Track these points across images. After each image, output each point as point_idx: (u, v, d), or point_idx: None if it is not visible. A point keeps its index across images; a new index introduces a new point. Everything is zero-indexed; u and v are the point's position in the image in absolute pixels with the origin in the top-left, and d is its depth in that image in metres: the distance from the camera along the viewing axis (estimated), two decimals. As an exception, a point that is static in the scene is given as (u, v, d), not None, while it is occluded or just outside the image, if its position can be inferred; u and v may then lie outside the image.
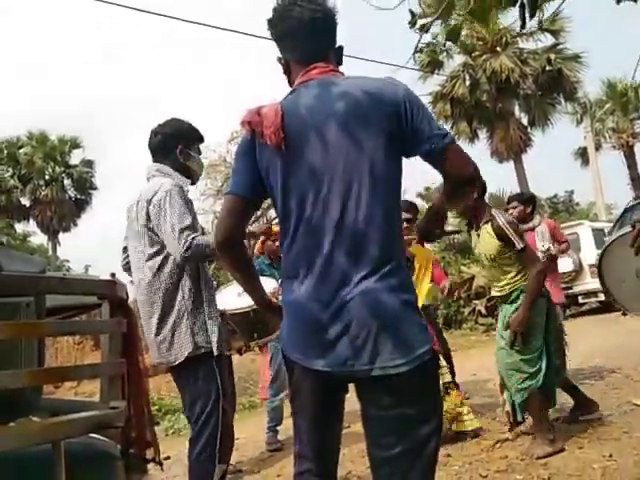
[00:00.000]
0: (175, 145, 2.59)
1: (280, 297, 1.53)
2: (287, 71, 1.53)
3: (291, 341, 1.41)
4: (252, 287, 1.63)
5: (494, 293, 3.44)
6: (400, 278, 1.35)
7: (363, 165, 1.34)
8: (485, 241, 3.19)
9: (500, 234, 3.07)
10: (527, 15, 2.19)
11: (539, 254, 4.45)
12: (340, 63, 1.54)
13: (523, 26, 2.76)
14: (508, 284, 3.21)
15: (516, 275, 3.17)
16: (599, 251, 2.35)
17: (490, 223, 3.12)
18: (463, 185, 1.46)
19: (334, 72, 1.47)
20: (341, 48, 1.54)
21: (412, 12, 2.81)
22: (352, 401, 1.47)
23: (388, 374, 1.28)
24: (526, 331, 3.06)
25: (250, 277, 1.62)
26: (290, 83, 1.52)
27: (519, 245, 3.04)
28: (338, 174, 1.34)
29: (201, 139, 2.74)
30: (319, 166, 1.35)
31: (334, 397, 1.46)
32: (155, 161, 2.61)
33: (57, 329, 1.38)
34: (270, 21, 1.50)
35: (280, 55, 1.53)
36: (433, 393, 1.39)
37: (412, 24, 2.93)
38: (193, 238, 2.31)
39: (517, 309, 3.11)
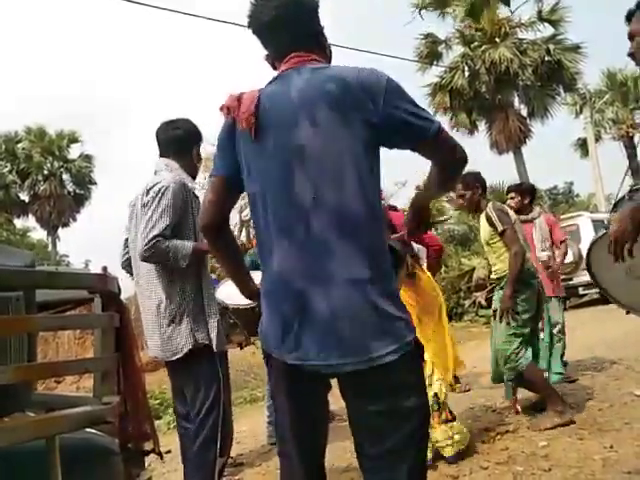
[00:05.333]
0: (193, 145, 2.63)
1: None
2: (274, 66, 1.52)
3: (267, 333, 1.37)
4: (236, 274, 1.63)
5: (492, 276, 3.83)
6: (378, 268, 1.31)
7: (339, 149, 1.32)
8: (482, 227, 3.70)
9: (488, 220, 3.55)
10: None
11: (538, 247, 4.51)
12: (324, 47, 1.51)
13: None
14: (500, 269, 3.60)
15: (506, 260, 3.52)
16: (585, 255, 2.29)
17: (485, 211, 3.62)
18: (454, 170, 1.48)
19: (315, 60, 1.45)
20: (322, 31, 1.51)
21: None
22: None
23: (366, 368, 1.25)
24: (513, 309, 3.38)
25: (234, 263, 1.61)
26: None
27: (499, 228, 3.48)
28: (312, 162, 1.32)
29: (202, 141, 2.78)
30: (294, 150, 1.33)
31: (313, 392, 1.41)
32: (165, 155, 2.60)
33: (47, 324, 1.36)
34: (248, 18, 1.50)
35: (266, 53, 1.53)
36: (417, 385, 1.35)
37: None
38: (158, 241, 2.29)
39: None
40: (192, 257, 2.34)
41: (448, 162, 1.43)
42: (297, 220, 1.32)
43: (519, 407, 3.69)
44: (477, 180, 3.68)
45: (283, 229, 1.33)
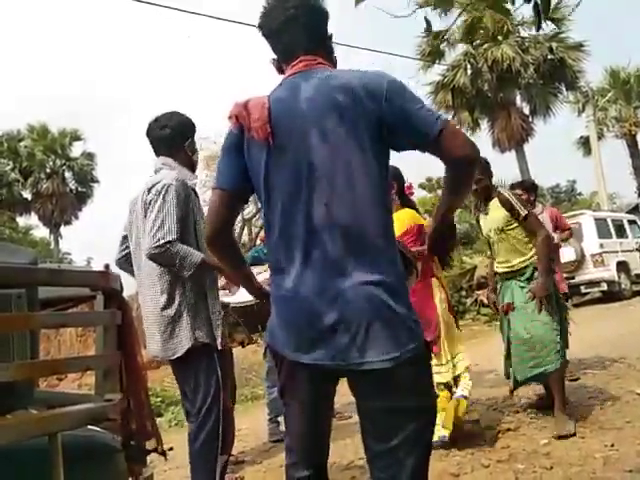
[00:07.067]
0: (184, 140, 2.59)
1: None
2: (280, 70, 1.53)
3: (280, 336, 1.39)
4: (241, 276, 1.69)
5: (499, 270, 3.51)
6: (391, 271, 1.33)
7: (349, 158, 1.33)
8: (493, 214, 3.41)
9: (506, 204, 3.32)
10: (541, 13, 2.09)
11: None
12: (331, 53, 1.53)
13: (539, 28, 2.64)
14: (518, 259, 3.36)
15: (526, 251, 3.34)
16: None
17: (497, 197, 3.39)
18: (466, 167, 1.38)
19: (322, 64, 1.46)
20: (330, 37, 1.53)
21: (427, 20, 2.70)
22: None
23: (379, 368, 1.27)
24: (548, 299, 3.21)
25: (239, 267, 1.66)
26: None
27: (522, 212, 3.27)
28: (325, 167, 1.33)
29: (195, 130, 2.75)
30: (306, 159, 1.34)
31: (324, 391, 1.45)
32: (160, 154, 2.60)
33: (49, 321, 1.37)
34: (258, 23, 1.51)
35: (273, 57, 1.54)
36: (426, 385, 1.39)
37: (427, 31, 2.89)
38: (170, 243, 2.29)
39: (527, 282, 3.30)
40: (199, 269, 2.34)
41: (465, 154, 1.35)
42: (311, 229, 1.33)
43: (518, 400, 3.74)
44: (489, 165, 3.49)
45: (299, 238, 1.34)
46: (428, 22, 2.54)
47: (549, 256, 3.25)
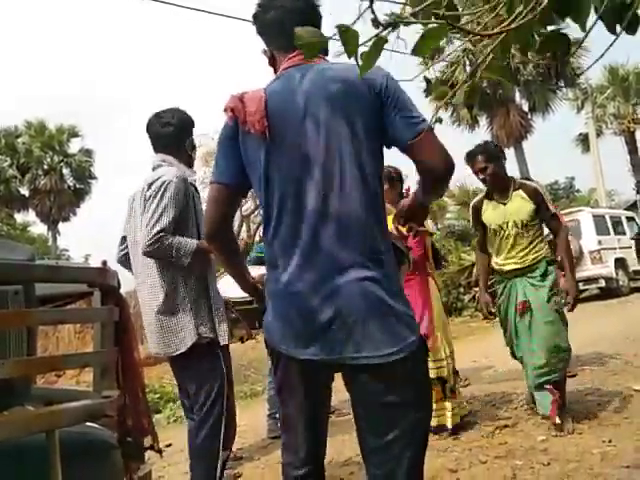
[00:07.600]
0: (186, 138, 2.60)
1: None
2: (272, 62, 1.52)
3: (276, 331, 1.39)
4: (237, 272, 1.66)
5: (506, 267, 3.24)
6: (387, 267, 1.34)
7: (345, 153, 1.33)
8: (517, 206, 3.16)
9: (537, 195, 3.12)
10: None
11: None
12: (326, 53, 1.51)
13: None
14: (532, 256, 3.15)
15: (540, 247, 3.19)
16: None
17: (522, 188, 3.18)
18: (434, 180, 1.39)
19: (319, 58, 1.45)
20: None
21: (427, 79, 2.62)
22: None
23: (375, 363, 1.27)
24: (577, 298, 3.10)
25: (235, 263, 1.65)
26: (276, 73, 1.51)
27: (552, 208, 3.13)
28: (321, 162, 1.33)
29: (194, 127, 2.75)
30: (302, 154, 1.34)
31: (321, 387, 1.45)
32: (159, 151, 2.59)
33: (46, 318, 1.37)
34: (255, 14, 1.51)
35: (265, 47, 1.53)
36: (422, 380, 1.39)
37: (427, 93, 2.77)
38: (161, 237, 2.29)
39: (542, 279, 3.11)
40: (196, 255, 2.34)
41: (433, 165, 1.35)
42: (308, 224, 1.32)
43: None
44: (501, 152, 3.23)
45: (295, 232, 1.34)
46: (429, 82, 2.46)
47: (572, 254, 3.21)
